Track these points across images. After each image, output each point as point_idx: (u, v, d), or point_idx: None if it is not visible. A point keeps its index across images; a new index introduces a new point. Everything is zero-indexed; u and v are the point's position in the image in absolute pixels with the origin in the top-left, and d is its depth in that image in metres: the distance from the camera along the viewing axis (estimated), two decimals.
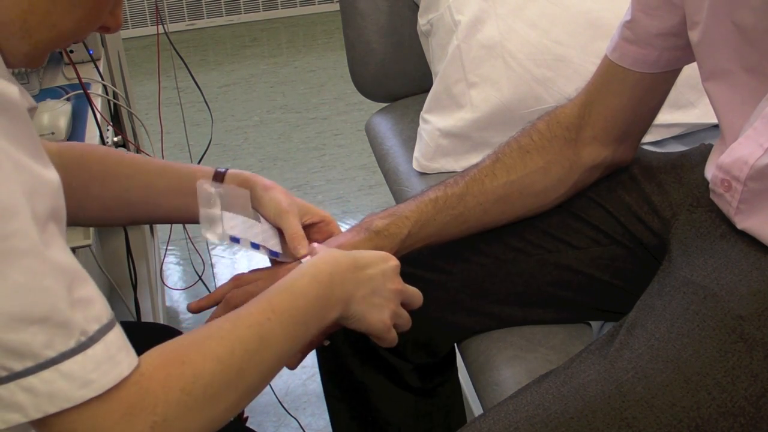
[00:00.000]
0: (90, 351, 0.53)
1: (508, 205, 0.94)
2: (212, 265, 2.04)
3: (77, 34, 0.62)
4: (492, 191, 0.93)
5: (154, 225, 1.97)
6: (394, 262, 0.80)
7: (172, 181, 0.86)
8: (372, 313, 0.77)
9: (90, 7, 0.60)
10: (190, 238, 1.96)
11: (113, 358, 0.54)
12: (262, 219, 0.86)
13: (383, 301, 0.78)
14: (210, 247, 2.12)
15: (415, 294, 0.83)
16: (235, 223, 0.83)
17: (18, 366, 0.51)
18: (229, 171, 0.87)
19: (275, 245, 0.85)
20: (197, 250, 2.05)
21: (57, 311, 0.51)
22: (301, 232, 0.84)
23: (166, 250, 2.09)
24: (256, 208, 0.86)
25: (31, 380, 0.51)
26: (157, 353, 0.59)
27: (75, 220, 0.86)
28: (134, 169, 0.87)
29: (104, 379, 0.53)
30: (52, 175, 0.54)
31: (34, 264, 0.50)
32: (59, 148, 0.84)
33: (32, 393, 0.51)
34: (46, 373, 0.51)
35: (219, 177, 0.86)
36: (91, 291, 0.54)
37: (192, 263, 2.04)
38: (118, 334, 0.55)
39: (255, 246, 0.83)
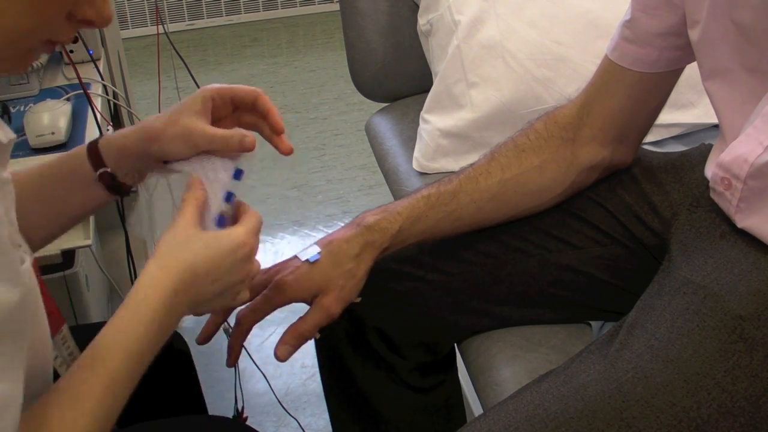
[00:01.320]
0: None
1: (502, 204, 0.94)
2: None
3: (28, 33, 0.54)
4: (486, 189, 0.93)
5: (154, 225, 1.96)
6: (244, 249, 0.71)
7: (58, 183, 0.78)
8: (217, 304, 0.73)
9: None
10: None
11: None
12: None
13: (230, 293, 0.72)
14: None
15: (257, 270, 0.76)
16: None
17: None
18: (102, 141, 0.77)
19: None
20: None
21: None
22: (226, 133, 0.76)
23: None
24: (164, 159, 0.77)
25: None
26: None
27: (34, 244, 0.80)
28: (24, 185, 0.75)
29: None
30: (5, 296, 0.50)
31: None
32: None
33: None
34: None
35: (94, 155, 0.76)
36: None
37: None
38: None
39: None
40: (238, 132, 0.76)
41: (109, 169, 0.77)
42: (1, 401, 0.51)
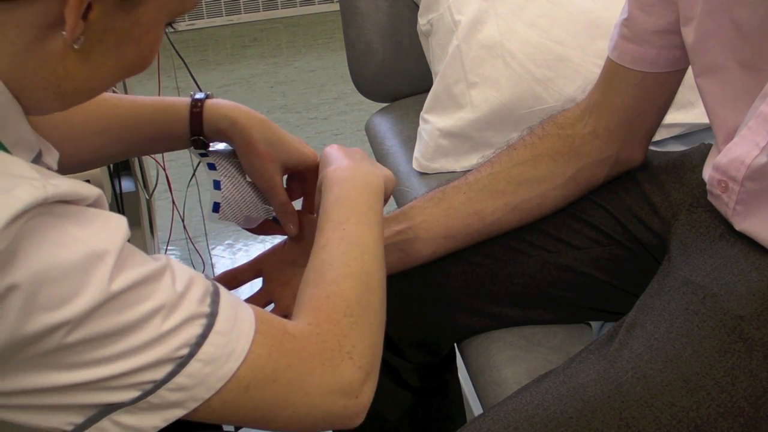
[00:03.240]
0: (216, 327, 0.55)
1: (496, 194, 0.93)
2: (212, 265, 2.04)
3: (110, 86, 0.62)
4: (475, 182, 0.94)
5: (154, 225, 1.97)
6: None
7: (145, 132, 0.84)
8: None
9: (132, 68, 0.59)
10: (190, 238, 1.96)
11: (238, 318, 0.57)
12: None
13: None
14: (210, 247, 2.12)
15: None
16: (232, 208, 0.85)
17: (160, 374, 0.52)
18: (206, 112, 0.83)
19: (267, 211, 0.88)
20: (197, 250, 2.05)
21: (178, 309, 0.53)
22: (289, 206, 0.86)
23: (167, 250, 2.09)
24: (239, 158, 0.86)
25: (178, 380, 0.53)
26: (303, 308, 0.65)
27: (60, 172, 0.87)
28: (105, 123, 0.83)
29: (239, 345, 0.56)
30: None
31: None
32: None
33: (185, 390, 0.54)
34: (189, 368, 0.53)
35: (196, 118, 0.83)
36: (182, 270, 0.56)
37: (192, 263, 2.04)
38: (225, 296, 0.57)
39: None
40: (294, 216, 0.87)
41: (203, 138, 0.84)
42: (165, 262, 0.55)
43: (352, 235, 0.71)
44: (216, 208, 0.84)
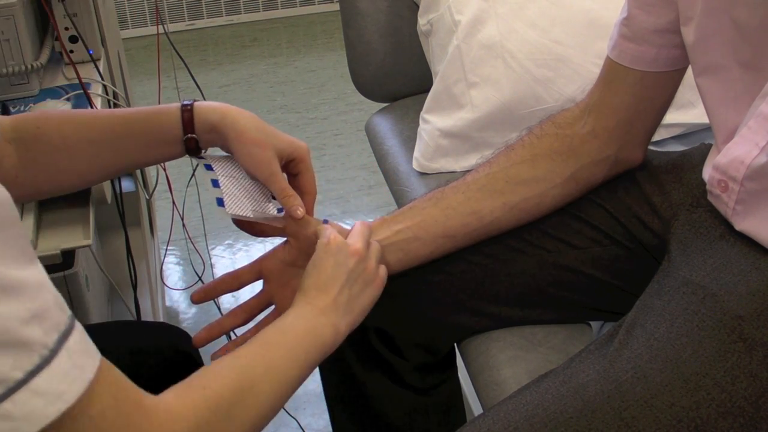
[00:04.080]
0: (54, 362, 0.51)
1: (494, 193, 0.93)
2: (212, 265, 2.04)
3: None
4: (473, 181, 0.94)
5: (154, 225, 1.97)
6: (347, 249, 0.81)
7: (139, 138, 0.84)
8: (360, 309, 0.83)
9: None
10: (190, 238, 1.96)
11: (78, 364, 0.52)
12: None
13: (365, 283, 0.83)
14: (210, 248, 2.12)
15: (377, 251, 0.86)
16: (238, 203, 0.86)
17: None
18: (196, 110, 0.83)
19: (272, 208, 0.88)
20: (197, 250, 2.05)
21: (13, 332, 0.49)
22: (291, 190, 0.85)
23: (166, 250, 2.09)
24: (229, 152, 0.86)
25: (5, 406, 0.49)
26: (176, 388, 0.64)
27: (57, 190, 0.87)
28: (98, 132, 0.83)
29: (73, 387, 0.52)
30: None
31: None
32: (14, 122, 0.82)
33: (9, 419, 0.49)
34: (18, 396, 0.49)
35: (187, 116, 0.83)
36: (45, 298, 0.52)
37: (192, 263, 2.04)
38: (78, 338, 0.53)
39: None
40: (299, 200, 0.86)
41: (196, 137, 0.84)
42: (32, 282, 0.51)
43: (274, 360, 0.73)
44: (220, 202, 0.84)
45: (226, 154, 0.87)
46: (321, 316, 0.78)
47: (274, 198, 0.87)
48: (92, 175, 0.86)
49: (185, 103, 0.84)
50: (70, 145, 0.82)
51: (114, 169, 0.86)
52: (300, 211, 0.85)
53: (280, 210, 0.87)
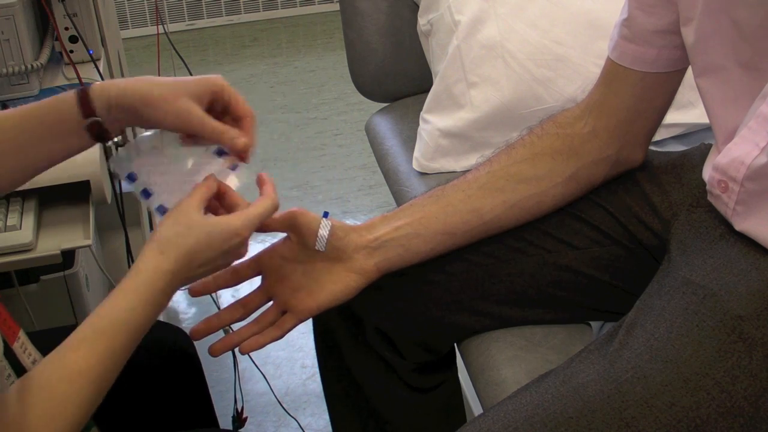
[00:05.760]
0: None
1: (495, 191, 0.93)
2: None
3: None
4: (474, 180, 0.94)
5: (154, 225, 1.97)
6: (238, 239, 0.76)
7: (38, 131, 0.77)
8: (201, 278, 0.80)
9: None
10: None
11: None
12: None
13: (214, 270, 0.80)
14: None
15: (261, 211, 0.80)
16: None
17: None
18: (93, 89, 0.76)
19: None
20: None
21: None
22: (222, 126, 0.79)
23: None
24: (153, 124, 0.79)
25: None
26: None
27: None
28: (3, 143, 0.77)
29: None
30: None
31: None
32: None
33: None
34: None
35: (84, 98, 0.76)
36: None
37: None
38: None
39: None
40: (234, 130, 0.80)
41: (99, 119, 0.76)
42: None
43: (111, 368, 0.69)
44: (161, 210, 0.80)
45: (146, 133, 0.81)
46: (178, 277, 0.74)
47: (218, 154, 0.82)
48: (4, 180, 0.79)
49: (83, 85, 0.78)
50: None
51: (25, 172, 0.80)
52: (240, 141, 0.79)
53: (234, 167, 0.82)
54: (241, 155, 0.81)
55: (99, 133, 0.77)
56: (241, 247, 0.79)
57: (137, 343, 0.70)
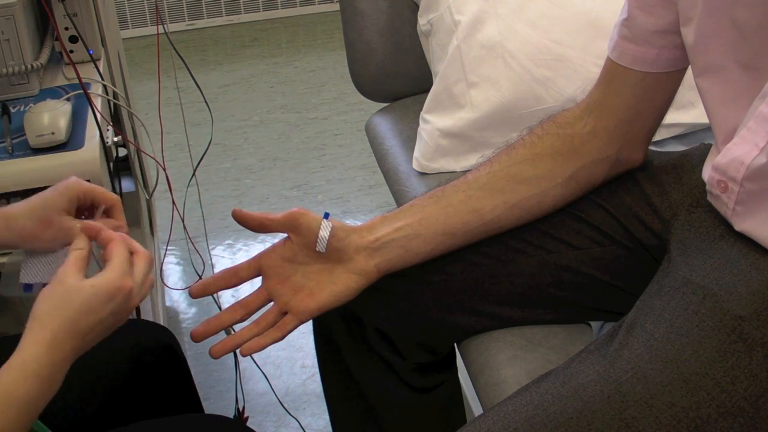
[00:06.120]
0: None
1: (495, 192, 0.93)
2: (212, 266, 2.04)
3: None
4: (474, 180, 0.94)
5: (154, 225, 1.97)
6: (122, 292, 0.74)
7: None
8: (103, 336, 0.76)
9: None
10: (190, 238, 1.95)
11: None
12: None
13: (115, 326, 0.76)
14: (210, 248, 2.12)
15: (144, 266, 0.79)
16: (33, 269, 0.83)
17: None
18: None
19: None
20: (197, 250, 2.05)
21: None
22: (95, 229, 0.81)
23: (167, 250, 2.09)
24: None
25: None
26: None
27: None
28: None
29: None
30: None
31: None
32: None
33: None
34: None
35: None
36: None
37: (192, 263, 2.04)
38: None
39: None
40: (104, 231, 0.81)
41: None
42: None
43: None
44: (28, 288, 0.82)
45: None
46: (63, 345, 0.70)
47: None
48: None
49: None
50: None
51: None
52: (105, 236, 0.81)
53: None
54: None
55: None
56: (130, 300, 0.75)
57: (32, 417, 0.67)
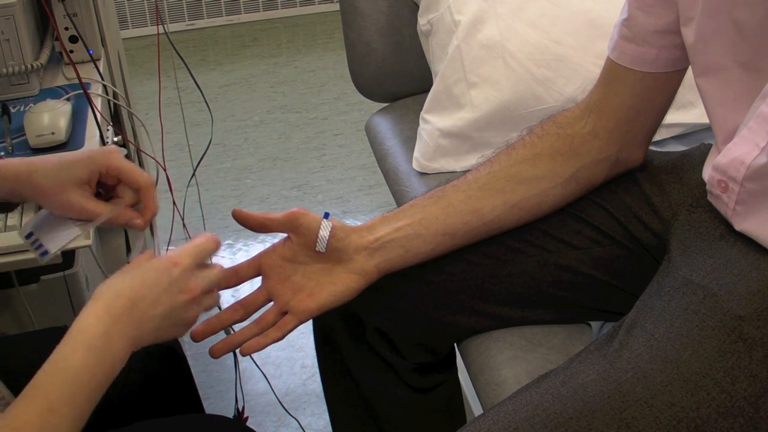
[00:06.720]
0: None
1: (495, 192, 0.93)
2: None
3: None
4: (474, 180, 0.94)
5: (154, 225, 1.97)
6: (177, 267, 0.74)
7: None
8: (165, 335, 0.74)
9: None
10: (190, 238, 1.96)
11: None
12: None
13: (175, 321, 0.75)
14: None
15: (216, 276, 0.79)
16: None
17: None
18: None
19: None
20: None
21: None
22: (115, 210, 0.82)
23: (167, 250, 2.09)
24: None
25: None
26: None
27: None
28: None
29: None
30: None
31: None
32: None
33: None
34: None
35: None
36: None
37: None
38: None
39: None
40: (126, 213, 0.83)
41: None
42: None
43: (53, 428, 0.64)
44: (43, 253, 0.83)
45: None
46: (116, 342, 0.69)
47: None
48: None
49: None
50: None
51: None
52: (137, 223, 0.82)
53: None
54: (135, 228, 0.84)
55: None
56: (187, 279, 0.75)
57: (88, 395, 0.65)
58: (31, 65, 1.23)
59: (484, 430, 0.77)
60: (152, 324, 0.72)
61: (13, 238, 1.01)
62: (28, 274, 1.33)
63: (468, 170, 0.97)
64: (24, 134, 1.15)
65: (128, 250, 1.43)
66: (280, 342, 0.89)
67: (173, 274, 0.73)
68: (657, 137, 1.30)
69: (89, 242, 1.04)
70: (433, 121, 1.32)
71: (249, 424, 1.40)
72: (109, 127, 1.30)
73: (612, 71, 0.92)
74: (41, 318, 1.33)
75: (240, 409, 1.48)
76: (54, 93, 1.28)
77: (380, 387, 1.01)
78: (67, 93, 1.27)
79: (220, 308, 0.89)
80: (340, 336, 1.00)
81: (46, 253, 0.83)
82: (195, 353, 1.68)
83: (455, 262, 0.96)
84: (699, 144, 1.00)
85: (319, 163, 2.55)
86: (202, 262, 0.78)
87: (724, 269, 0.79)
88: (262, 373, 1.54)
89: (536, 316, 0.99)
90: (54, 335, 0.67)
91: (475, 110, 1.28)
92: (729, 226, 0.83)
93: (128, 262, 0.77)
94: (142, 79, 2.92)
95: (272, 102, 2.93)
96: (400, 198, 1.33)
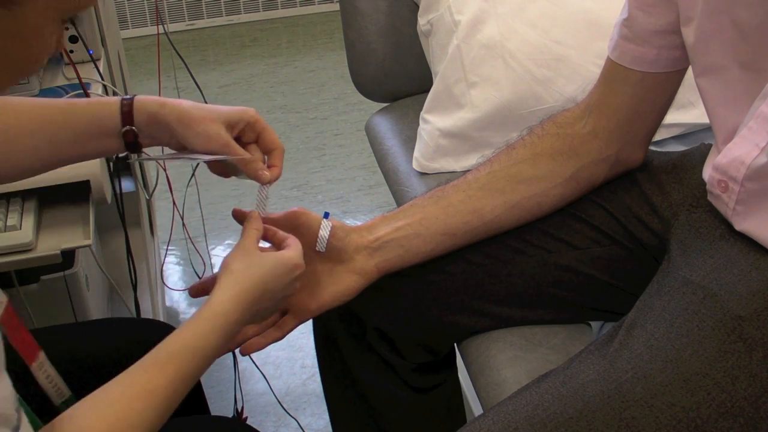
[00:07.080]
0: None
1: (496, 192, 0.93)
2: (212, 266, 2.04)
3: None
4: (474, 180, 0.94)
5: (154, 225, 1.97)
6: (298, 270, 0.80)
7: (78, 129, 0.82)
8: (266, 316, 0.83)
9: (20, 70, 0.58)
10: (190, 238, 1.96)
11: None
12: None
13: (276, 306, 0.82)
14: (210, 248, 2.12)
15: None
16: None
17: None
18: (136, 102, 0.82)
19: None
20: (197, 250, 2.05)
21: None
22: (250, 156, 0.83)
23: (167, 250, 2.09)
24: (182, 143, 0.83)
25: None
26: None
27: None
28: (37, 123, 0.81)
29: None
30: None
31: None
32: None
33: None
34: None
35: (127, 108, 0.81)
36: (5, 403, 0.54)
37: (192, 263, 2.04)
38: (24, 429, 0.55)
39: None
40: (258, 162, 0.84)
41: (135, 129, 0.82)
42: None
43: (176, 395, 0.69)
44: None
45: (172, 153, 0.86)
46: (240, 325, 0.76)
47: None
48: (31, 167, 0.83)
49: (126, 96, 0.83)
50: (10, 138, 0.80)
51: (53, 160, 0.84)
52: (264, 175, 0.84)
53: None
54: (259, 182, 0.85)
55: (132, 142, 0.82)
56: (298, 281, 0.81)
57: (205, 369, 0.72)
58: None
59: (484, 430, 0.77)
60: (260, 313, 0.78)
61: (14, 238, 1.01)
62: (28, 274, 1.34)
63: (468, 170, 0.97)
64: None
65: (128, 250, 1.43)
66: (279, 342, 0.90)
67: (294, 275, 0.80)
68: (657, 137, 1.30)
69: (89, 242, 1.04)
70: (433, 121, 1.32)
71: (249, 423, 1.40)
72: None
73: (612, 71, 0.92)
74: (41, 318, 1.33)
75: (239, 410, 1.48)
76: (54, 93, 1.28)
77: (380, 387, 1.01)
78: (67, 93, 1.27)
79: None
80: (340, 336, 1.00)
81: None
82: None
83: (455, 262, 0.96)
84: (699, 144, 1.00)
85: (319, 163, 2.55)
86: None
87: (725, 269, 0.79)
88: (262, 373, 1.54)
89: (536, 316, 0.99)
90: (105, 327, 0.68)
91: (475, 110, 1.28)
92: (729, 226, 0.83)
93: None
94: (142, 79, 2.92)
95: (272, 102, 2.93)
96: (400, 198, 1.33)
